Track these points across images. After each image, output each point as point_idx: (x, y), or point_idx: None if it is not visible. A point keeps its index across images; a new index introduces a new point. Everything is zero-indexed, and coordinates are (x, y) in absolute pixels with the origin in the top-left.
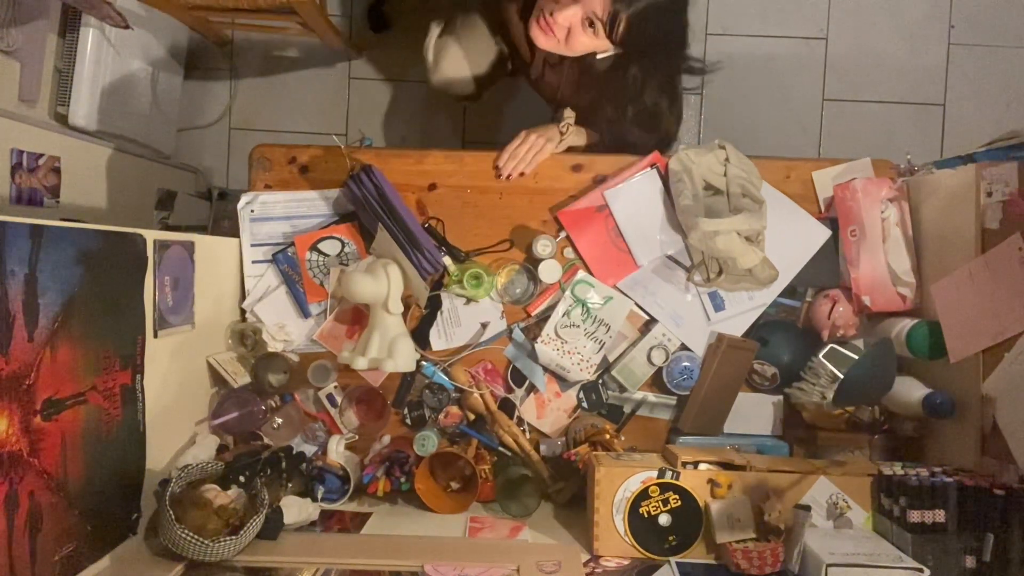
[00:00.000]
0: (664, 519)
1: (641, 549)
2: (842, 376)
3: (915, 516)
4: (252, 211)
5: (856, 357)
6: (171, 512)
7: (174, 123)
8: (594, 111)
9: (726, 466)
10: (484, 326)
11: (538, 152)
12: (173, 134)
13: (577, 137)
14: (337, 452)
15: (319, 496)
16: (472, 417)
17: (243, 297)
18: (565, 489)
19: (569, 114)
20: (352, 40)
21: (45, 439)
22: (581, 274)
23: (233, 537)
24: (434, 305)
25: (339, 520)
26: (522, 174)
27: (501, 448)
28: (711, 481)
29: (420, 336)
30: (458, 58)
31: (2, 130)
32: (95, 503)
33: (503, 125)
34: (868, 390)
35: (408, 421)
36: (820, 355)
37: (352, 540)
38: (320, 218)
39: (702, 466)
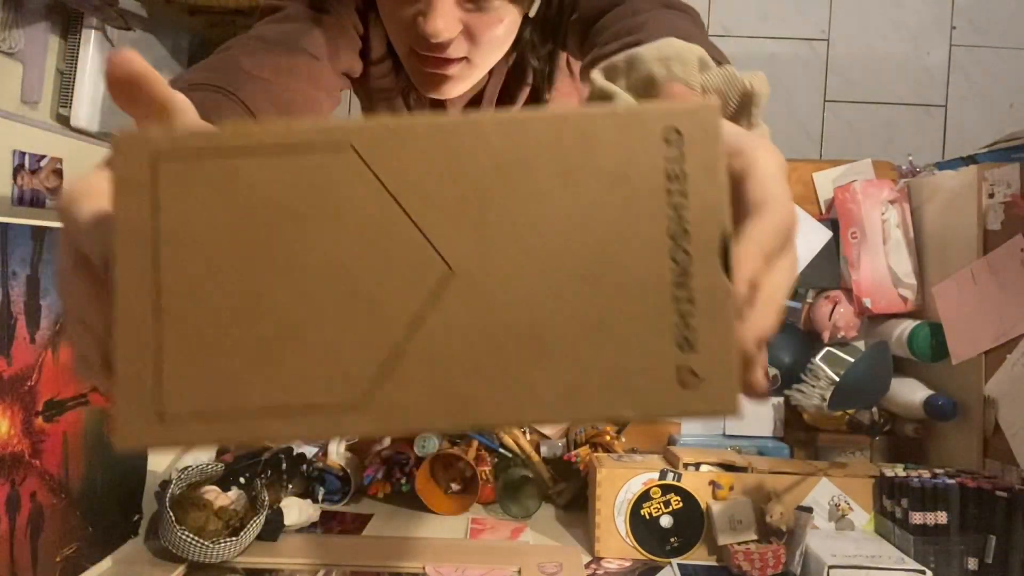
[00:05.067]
0: (666, 521)
1: (643, 551)
2: (838, 379)
3: (917, 518)
4: None
5: (852, 360)
6: (171, 514)
7: None
8: None
9: (727, 468)
10: None
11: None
12: None
13: None
14: (338, 453)
15: (320, 497)
16: None
17: None
18: (566, 491)
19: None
20: None
21: (47, 440)
22: None
23: (233, 538)
24: None
25: (340, 521)
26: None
27: (502, 449)
28: (712, 483)
29: None
30: None
31: (4, 131)
32: (96, 504)
33: None
34: (864, 393)
35: None
36: (817, 358)
37: (353, 541)
38: None
39: (703, 468)
